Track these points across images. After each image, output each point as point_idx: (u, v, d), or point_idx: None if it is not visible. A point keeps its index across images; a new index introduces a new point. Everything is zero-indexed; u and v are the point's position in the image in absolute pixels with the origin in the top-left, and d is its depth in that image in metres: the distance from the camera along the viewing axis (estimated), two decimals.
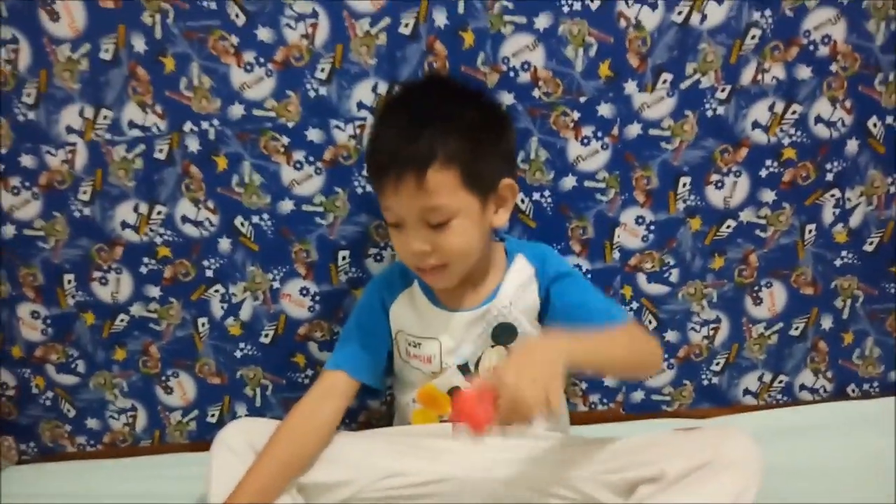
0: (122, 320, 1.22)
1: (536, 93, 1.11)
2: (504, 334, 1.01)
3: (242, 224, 1.17)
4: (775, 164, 1.16)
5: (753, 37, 1.10)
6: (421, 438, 1.01)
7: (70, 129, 1.13)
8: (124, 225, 1.17)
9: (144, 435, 1.28)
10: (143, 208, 1.16)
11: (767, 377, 1.26)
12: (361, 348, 1.03)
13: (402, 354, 1.05)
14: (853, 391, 1.27)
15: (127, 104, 1.12)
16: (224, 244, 1.18)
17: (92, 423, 1.27)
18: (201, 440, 1.27)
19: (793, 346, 1.25)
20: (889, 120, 1.14)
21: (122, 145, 1.14)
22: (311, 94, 1.11)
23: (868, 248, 1.20)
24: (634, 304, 1.21)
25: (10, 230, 1.17)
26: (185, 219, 1.17)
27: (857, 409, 1.23)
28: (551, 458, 0.96)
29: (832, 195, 1.18)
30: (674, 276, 1.20)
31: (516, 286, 1.01)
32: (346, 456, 0.99)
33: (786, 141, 1.15)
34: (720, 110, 1.13)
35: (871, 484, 1.05)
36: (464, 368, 1.01)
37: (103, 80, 1.11)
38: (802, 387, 1.27)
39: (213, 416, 1.27)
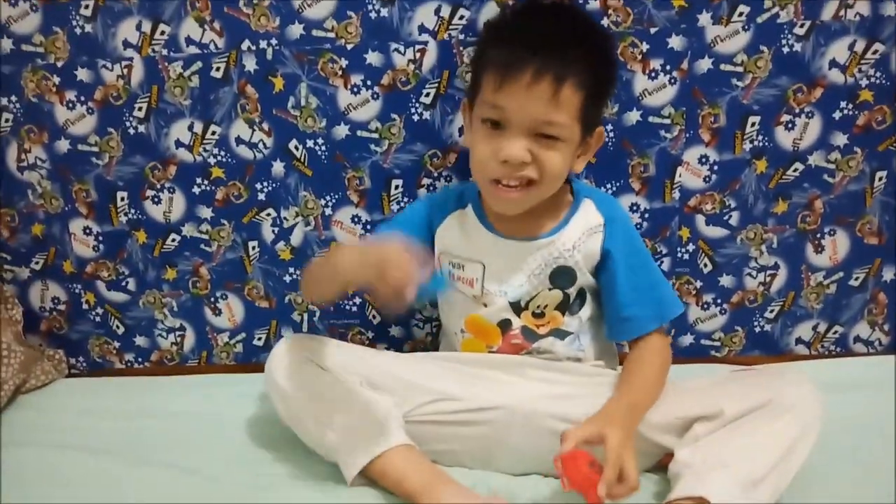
0: (173, 240, 1.22)
1: (605, 21, 1.07)
2: (563, 278, 0.99)
3: (297, 148, 1.15)
4: (850, 106, 1.11)
5: None
6: (473, 366, 1.00)
7: (127, 44, 1.11)
8: (178, 144, 1.16)
9: (192, 355, 1.29)
10: (198, 127, 1.15)
11: (822, 327, 1.23)
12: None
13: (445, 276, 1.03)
14: None
15: (185, 20, 1.10)
16: (277, 167, 1.17)
17: (140, 340, 1.29)
18: (247, 363, 1.28)
19: (851, 297, 1.22)
20: None
21: (178, 62, 1.12)
22: (372, 14, 1.08)
23: None
24: (691, 247, 1.18)
25: (64, 145, 1.17)
26: (239, 140, 1.16)
27: None
28: (606, 396, 0.95)
29: None
30: (734, 219, 1.17)
31: (582, 230, 0.98)
32: (396, 376, 0.98)
33: (863, 82, 1.10)
34: (797, 47, 1.08)
35: None
36: (515, 306, 1.00)
37: None
38: (857, 339, 1.24)
39: (259, 339, 1.28)
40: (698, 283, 1.21)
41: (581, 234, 0.98)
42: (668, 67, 1.09)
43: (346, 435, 0.91)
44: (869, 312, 1.23)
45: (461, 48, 1.09)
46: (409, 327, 1.25)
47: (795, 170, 1.14)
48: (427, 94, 1.12)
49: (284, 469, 0.99)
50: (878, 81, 1.09)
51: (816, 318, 1.23)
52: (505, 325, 1.01)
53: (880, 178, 1.15)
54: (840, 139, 1.13)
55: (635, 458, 0.82)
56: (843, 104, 1.11)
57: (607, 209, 1.00)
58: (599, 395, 0.94)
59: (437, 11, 1.08)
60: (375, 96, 1.12)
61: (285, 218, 1.19)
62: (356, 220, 1.19)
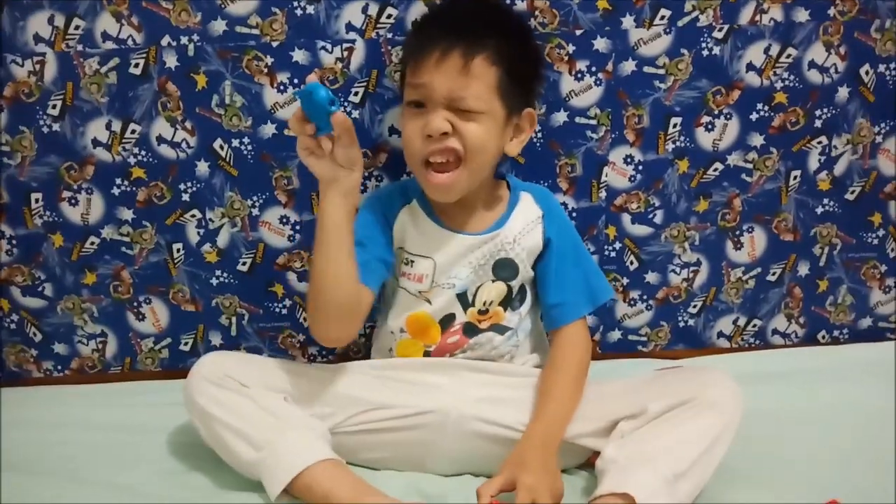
0: (92, 243, 1.17)
1: (532, 23, 1.08)
2: (506, 270, 1.01)
3: (222, 147, 1.13)
4: (766, 108, 1.15)
5: None
6: (402, 372, 1.00)
7: (38, 38, 1.06)
8: (96, 143, 1.12)
9: (114, 362, 1.25)
10: (117, 126, 1.11)
11: (742, 321, 1.28)
12: (374, 259, 0.99)
13: (395, 273, 1.03)
14: (823, 337, 1.30)
15: (101, 14, 1.06)
16: (202, 167, 1.13)
17: (59, 348, 1.23)
18: (174, 369, 1.25)
19: (768, 292, 1.26)
20: (881, 68, 1.14)
21: (94, 58, 1.07)
22: (298, 12, 1.06)
23: (849, 196, 1.21)
24: (617, 245, 1.21)
25: None
26: (161, 139, 1.12)
27: (826, 354, 1.26)
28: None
29: (819, 142, 1.18)
30: (658, 217, 1.20)
31: (523, 223, 1.02)
32: (325, 389, 0.97)
33: (778, 85, 1.14)
34: (716, 50, 1.11)
35: (834, 429, 1.07)
36: (462, 298, 1.00)
37: None
38: (775, 331, 1.29)
39: (186, 344, 1.24)
40: (625, 280, 1.23)
41: (523, 227, 1.01)
42: (593, 69, 1.11)
43: (269, 451, 0.89)
44: (785, 306, 1.28)
45: (389, 47, 1.08)
46: None
47: (715, 169, 1.18)
48: (356, 93, 1.11)
49: (210, 481, 0.96)
50: (791, 84, 1.14)
51: (736, 312, 1.27)
52: (447, 320, 1.01)
53: (795, 177, 1.20)
54: (757, 140, 1.17)
55: (551, 493, 0.85)
56: (759, 106, 1.15)
57: (544, 202, 1.04)
58: (530, 399, 0.97)
59: (365, 10, 1.07)
60: None
61: (211, 219, 1.16)
62: (284, 220, 1.17)
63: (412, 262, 1.01)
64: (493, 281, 1.01)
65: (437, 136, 0.92)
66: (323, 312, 0.94)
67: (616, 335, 1.27)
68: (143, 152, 1.12)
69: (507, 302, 1.02)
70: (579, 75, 1.11)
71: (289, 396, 0.94)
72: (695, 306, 1.26)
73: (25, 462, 1.01)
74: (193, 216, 1.16)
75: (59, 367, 1.25)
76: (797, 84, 1.14)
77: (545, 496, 0.84)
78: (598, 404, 0.95)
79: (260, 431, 0.90)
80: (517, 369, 1.03)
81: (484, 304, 1.01)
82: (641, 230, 1.21)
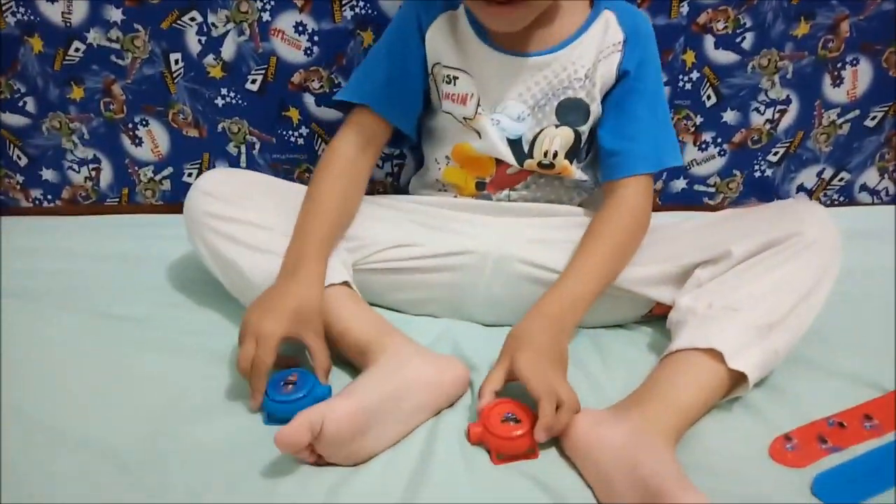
0: (76, 49, 1.00)
1: None
2: (573, 113, 0.81)
3: None
4: None
5: None
6: (438, 209, 0.86)
7: None
8: None
9: (110, 192, 1.11)
10: None
11: (828, 173, 1.10)
12: (389, 81, 0.82)
13: (439, 95, 0.84)
14: None
15: None
16: None
17: (48, 174, 1.09)
18: (176, 202, 1.10)
19: (864, 140, 1.08)
20: None
21: None
22: None
23: None
24: (695, 74, 1.02)
25: None
26: None
27: None
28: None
29: None
30: (748, 41, 1.00)
31: (598, 49, 0.80)
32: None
33: None
34: None
35: None
36: (517, 149, 0.82)
37: None
38: (863, 187, 1.12)
39: (190, 175, 1.09)
40: (699, 119, 1.05)
41: (597, 54, 0.80)
42: None
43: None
44: (881, 158, 1.10)
45: None
46: None
47: None
48: None
49: (215, 315, 0.85)
50: None
51: (823, 162, 1.10)
52: (499, 162, 0.84)
53: None
54: None
55: (563, 372, 0.69)
56: None
57: (631, 23, 0.81)
58: (576, 240, 0.80)
59: None
60: None
61: (213, 24, 0.98)
62: (300, 28, 0.98)
63: (454, 78, 0.82)
64: (557, 126, 0.81)
65: None
66: None
67: (680, 184, 1.10)
68: None
69: (575, 153, 0.83)
70: None
71: None
72: (776, 153, 1.08)
73: (23, 290, 0.90)
74: (193, 20, 0.98)
75: (49, 197, 1.11)
76: None
77: (558, 378, 0.67)
78: (665, 247, 0.79)
79: (274, 239, 0.78)
80: (570, 209, 0.87)
81: (545, 154, 0.82)
82: (725, 57, 1.01)
